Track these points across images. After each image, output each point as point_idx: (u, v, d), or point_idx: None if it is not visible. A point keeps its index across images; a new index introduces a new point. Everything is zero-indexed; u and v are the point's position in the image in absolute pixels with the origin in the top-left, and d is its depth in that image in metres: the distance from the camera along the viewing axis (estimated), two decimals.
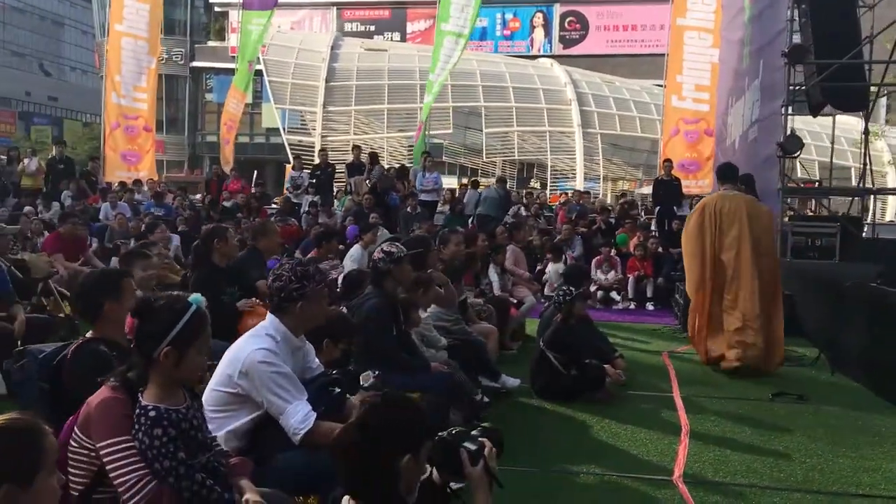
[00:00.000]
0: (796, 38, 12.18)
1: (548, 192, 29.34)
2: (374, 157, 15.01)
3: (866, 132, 11.93)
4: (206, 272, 4.87)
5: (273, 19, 50.75)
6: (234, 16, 45.52)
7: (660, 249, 11.87)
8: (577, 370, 5.89)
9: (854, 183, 31.58)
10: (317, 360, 3.15)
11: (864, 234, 11.66)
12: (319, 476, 2.62)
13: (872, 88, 12.26)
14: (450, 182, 36.51)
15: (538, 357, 6.00)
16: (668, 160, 14.13)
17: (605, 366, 6.02)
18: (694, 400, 6.07)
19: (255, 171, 21.13)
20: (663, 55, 16.89)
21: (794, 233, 10.27)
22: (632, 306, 11.06)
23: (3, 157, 14.67)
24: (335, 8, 48.59)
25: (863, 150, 12.15)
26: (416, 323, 4.62)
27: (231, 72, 37.88)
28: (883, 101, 33.12)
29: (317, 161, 15.70)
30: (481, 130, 31.89)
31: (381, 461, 1.96)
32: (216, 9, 48.06)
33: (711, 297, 7.16)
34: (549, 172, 31.83)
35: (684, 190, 15.62)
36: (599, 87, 32.91)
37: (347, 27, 47.85)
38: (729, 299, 7.04)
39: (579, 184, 29.55)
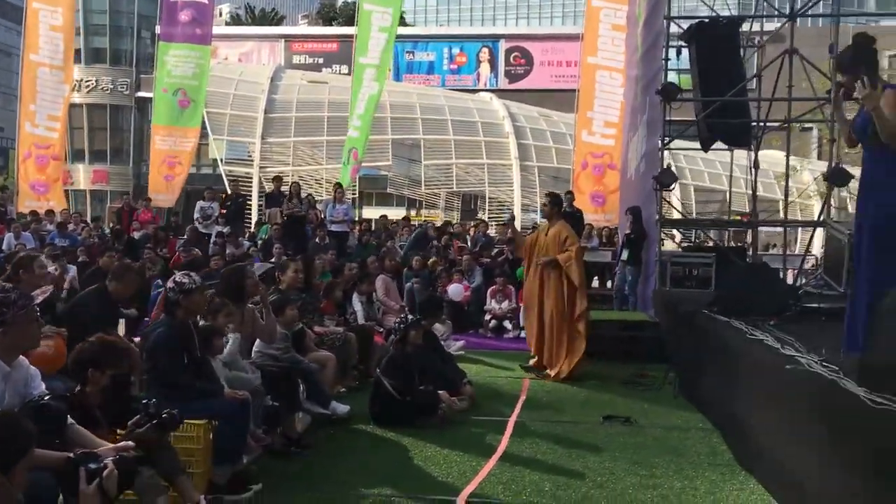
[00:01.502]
0: (681, 76, 12.76)
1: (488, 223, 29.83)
2: (296, 189, 15.19)
3: (756, 165, 12.44)
4: None
5: (221, 51, 50.76)
6: None
7: None
8: (412, 397, 6.09)
9: (782, 214, 32.51)
10: (41, 384, 3.30)
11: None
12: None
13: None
14: (397, 213, 36.94)
15: (375, 383, 6.20)
16: (569, 192, 14.54)
17: (440, 392, 6.22)
18: (528, 424, 6.30)
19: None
20: None
21: (673, 263, 10.65)
22: (522, 335, 11.31)
23: None
24: (283, 40, 48.91)
25: (753, 181, 12.70)
26: (218, 350, 4.79)
27: None
28: (814, 133, 34.21)
29: (229, 192, 15.79)
30: (420, 162, 32.27)
31: None
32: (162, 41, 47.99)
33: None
34: (487, 204, 32.28)
35: (594, 222, 16.07)
36: (537, 120, 33.55)
37: (296, 59, 48.11)
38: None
39: (518, 215, 29.98)
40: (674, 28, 13.14)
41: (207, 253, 12.96)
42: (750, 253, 12.27)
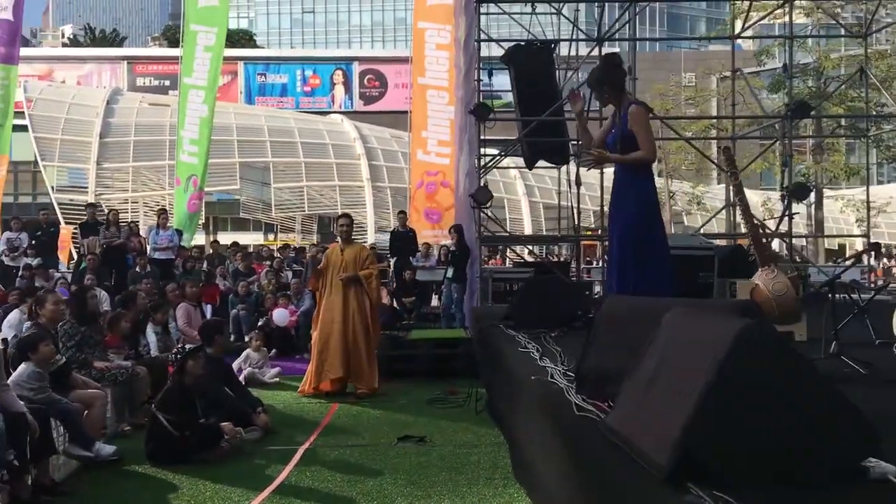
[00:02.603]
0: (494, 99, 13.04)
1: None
2: (114, 216, 14.45)
3: (578, 182, 12.83)
4: None
5: (57, 73, 48.04)
6: None
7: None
8: (190, 431, 5.78)
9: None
10: None
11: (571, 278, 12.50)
12: None
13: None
14: (254, 238, 36.04)
15: (150, 419, 5.85)
16: (402, 212, 14.58)
17: (223, 424, 5.95)
18: (319, 451, 6.13)
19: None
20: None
21: (494, 280, 10.83)
22: None
23: None
24: (126, 62, 47.00)
25: (572, 197, 13.12)
26: None
27: (16, 128, 35.57)
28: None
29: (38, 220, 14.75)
30: (270, 185, 31.66)
31: None
32: None
33: None
34: (335, 226, 32.02)
35: (431, 240, 16.16)
36: (388, 141, 33.66)
37: (140, 82, 46.34)
38: None
39: (370, 236, 29.88)
40: (496, 50, 13.52)
41: (14, 286, 12.10)
42: (574, 267, 12.67)
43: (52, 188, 27.93)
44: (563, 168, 14.59)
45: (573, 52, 13.62)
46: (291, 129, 32.91)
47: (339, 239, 8.50)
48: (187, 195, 16.60)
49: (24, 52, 50.85)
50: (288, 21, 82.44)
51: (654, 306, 3.36)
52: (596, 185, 23.15)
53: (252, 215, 35.58)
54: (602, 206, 15.25)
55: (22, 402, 4.96)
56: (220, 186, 32.69)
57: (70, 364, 5.90)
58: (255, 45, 57.63)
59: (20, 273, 12.53)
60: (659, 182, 31.63)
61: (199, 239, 31.65)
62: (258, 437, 6.38)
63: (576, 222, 13.39)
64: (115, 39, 52.82)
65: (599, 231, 17.47)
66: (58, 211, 26.70)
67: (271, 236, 36.45)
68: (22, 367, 5.31)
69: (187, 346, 6.08)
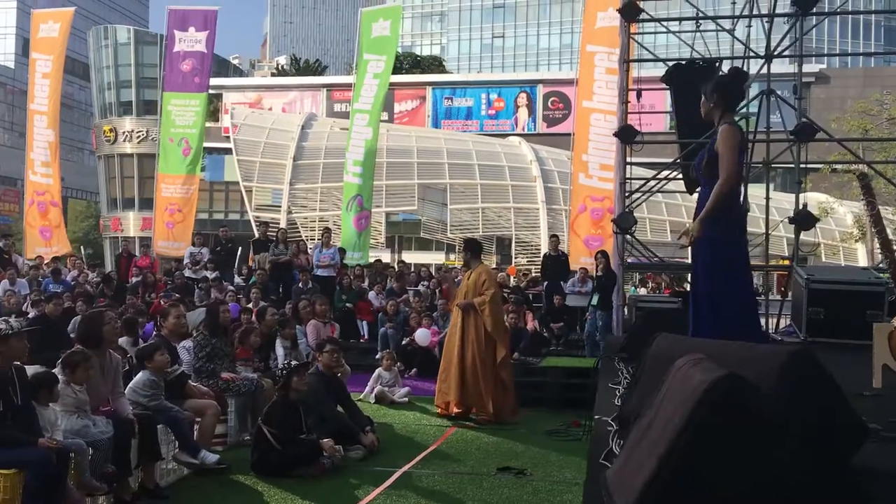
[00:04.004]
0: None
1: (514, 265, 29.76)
2: (283, 235, 15.42)
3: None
4: None
5: (266, 101, 52.01)
6: (228, 98, 47.12)
7: (526, 324, 11.96)
8: (292, 446, 5.98)
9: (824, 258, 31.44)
10: None
11: None
12: None
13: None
14: (435, 258, 37.08)
15: (255, 432, 6.12)
16: (554, 235, 14.31)
17: (323, 441, 6.10)
18: (419, 474, 6.13)
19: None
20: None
21: (639, 308, 10.36)
22: None
23: None
24: (325, 90, 50.02)
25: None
26: (47, 399, 4.78)
27: (225, 151, 39.03)
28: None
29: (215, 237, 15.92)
30: (446, 205, 32.42)
31: None
32: (210, 91, 49.67)
33: None
34: (513, 247, 32.18)
35: (590, 266, 15.76)
36: (566, 164, 33.33)
37: (337, 108, 49.10)
38: None
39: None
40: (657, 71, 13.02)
41: (193, 298, 13.19)
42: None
43: (250, 206, 30.27)
44: None
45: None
46: (469, 151, 33.54)
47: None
48: (352, 215, 17.35)
49: (235, 81, 55.59)
50: (478, 46, 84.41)
51: (691, 348, 3.04)
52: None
53: (433, 235, 36.63)
54: (797, 235, 14.12)
55: (131, 409, 5.38)
56: (402, 207, 33.96)
57: (185, 374, 6.30)
58: (444, 71, 59.41)
59: (199, 285, 13.61)
60: (857, 206, 28.93)
61: (385, 257, 33.03)
62: (361, 457, 6.48)
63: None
64: (317, 68, 56.58)
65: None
66: (254, 228, 28.93)
67: (452, 256, 37.25)
68: (139, 375, 5.76)
69: (292, 363, 6.28)
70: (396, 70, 54.07)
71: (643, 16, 10.74)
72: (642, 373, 3.30)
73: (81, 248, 40.16)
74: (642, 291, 20.80)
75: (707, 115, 4.63)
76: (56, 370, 5.07)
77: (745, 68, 12.91)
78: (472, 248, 8.44)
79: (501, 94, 49.46)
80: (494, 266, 25.33)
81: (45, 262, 15.58)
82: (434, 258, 35.93)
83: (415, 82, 50.36)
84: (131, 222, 46.35)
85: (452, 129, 45.57)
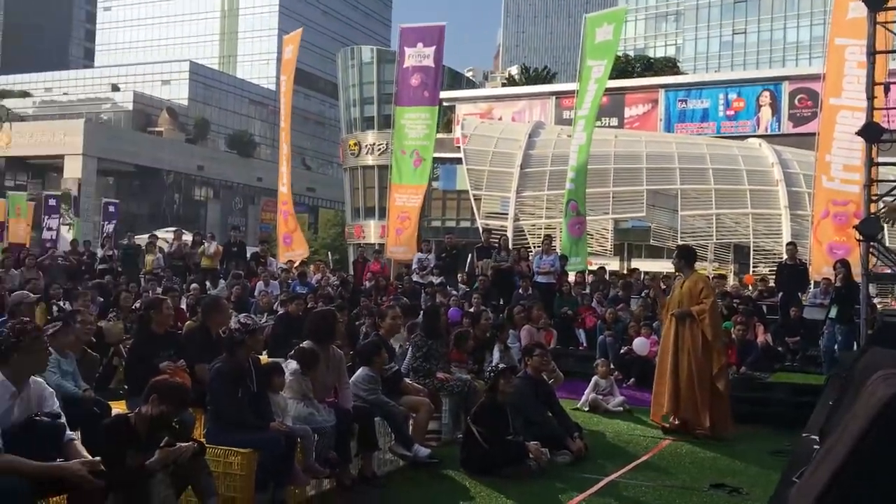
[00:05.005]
0: None
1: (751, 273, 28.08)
2: (504, 242, 15.80)
3: None
4: (144, 337, 5.97)
5: (495, 111, 53.38)
6: (461, 109, 48.98)
7: (756, 337, 11.26)
8: (498, 446, 6.14)
9: None
10: (55, 403, 3.97)
11: None
12: None
13: None
14: (665, 266, 35.92)
15: (465, 430, 6.36)
16: (791, 243, 13.28)
17: (530, 444, 6.19)
18: (626, 483, 6.06)
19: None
20: None
21: (884, 322, 9.41)
22: None
23: (188, 240, 17.38)
24: (554, 97, 50.26)
25: None
26: (279, 387, 5.30)
27: (457, 161, 40.68)
28: None
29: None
30: (677, 211, 31.26)
31: None
32: (444, 103, 51.84)
33: None
34: (751, 255, 30.31)
35: (832, 276, 14.50)
36: (813, 166, 30.88)
37: (566, 115, 49.04)
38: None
39: None
40: None
41: (419, 302, 13.89)
42: None
43: (479, 214, 31.17)
44: None
45: None
46: (703, 155, 32.11)
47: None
48: (567, 220, 17.33)
49: (466, 93, 57.39)
50: (717, 44, 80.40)
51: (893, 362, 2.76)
52: None
53: (663, 243, 35.42)
54: None
55: (352, 402, 5.82)
56: (630, 213, 33.23)
57: (400, 372, 6.68)
58: (677, 72, 57.34)
59: (425, 289, 14.29)
60: None
61: (613, 265, 32.50)
62: (568, 462, 6.50)
63: None
64: (546, 76, 57.01)
65: None
66: (481, 234, 29.77)
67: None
68: (360, 370, 6.22)
69: (500, 366, 6.46)
70: (627, 74, 53.20)
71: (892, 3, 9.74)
72: (849, 387, 3.04)
73: (329, 253, 43.62)
74: None
75: None
76: (287, 362, 5.62)
77: None
78: (687, 256, 8.14)
79: (741, 93, 46.79)
80: (722, 275, 24.00)
81: (295, 265, 17.14)
82: (664, 266, 34.60)
83: (646, 85, 49.07)
84: (372, 230, 49.57)
85: (686, 132, 43.84)
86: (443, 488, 5.84)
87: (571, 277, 15.41)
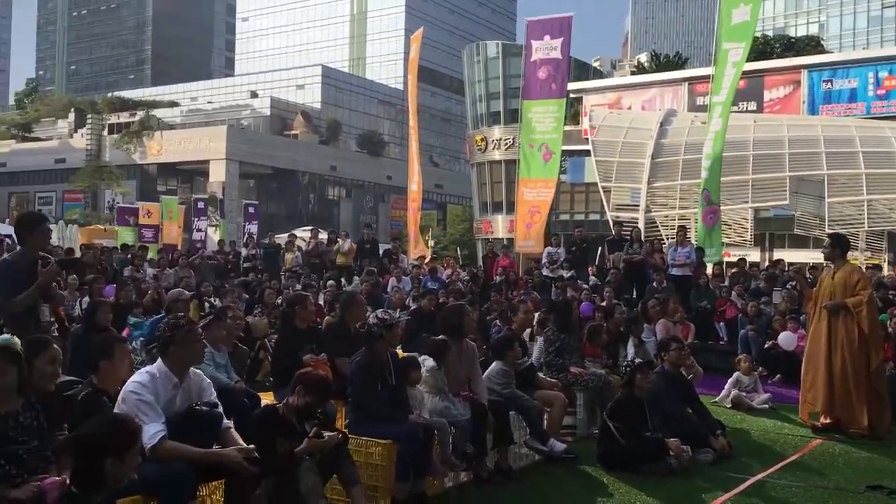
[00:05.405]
0: None
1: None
2: (637, 234, 15.47)
3: None
4: (288, 332, 6.24)
5: (624, 100, 52.33)
6: (588, 100, 48.27)
7: None
8: (636, 442, 6.02)
9: None
10: (213, 393, 4.20)
11: None
12: (162, 482, 3.64)
13: None
14: (812, 256, 34.08)
15: (601, 426, 6.26)
16: None
17: (669, 440, 6.03)
18: (775, 483, 5.81)
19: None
20: None
21: None
22: None
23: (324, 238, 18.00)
24: (686, 83, 48.64)
25: None
26: (415, 381, 5.40)
27: (585, 153, 40.17)
28: None
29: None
30: (823, 198, 29.52)
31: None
32: (570, 94, 51.22)
33: None
34: None
35: None
36: None
37: (700, 101, 47.38)
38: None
39: None
40: None
41: (549, 296, 13.81)
42: None
43: (608, 206, 30.59)
44: None
45: None
46: (851, 137, 30.14)
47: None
48: (701, 210, 16.73)
49: (594, 83, 56.43)
50: (864, 20, 75.23)
51: None
52: None
53: (808, 231, 33.54)
54: None
55: (486, 397, 5.86)
56: (772, 202, 31.66)
57: (533, 367, 6.66)
58: (822, 51, 54.14)
59: (555, 283, 14.19)
60: None
61: (755, 255, 31.14)
62: (710, 460, 6.29)
63: None
64: (678, 62, 55.12)
65: None
66: (611, 227, 29.17)
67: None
68: (493, 365, 6.25)
69: (636, 360, 6.32)
70: (766, 55, 50.69)
71: None
72: None
73: (457, 249, 44.10)
74: None
75: None
76: (423, 358, 5.73)
77: None
78: (842, 245, 7.66)
79: (893, 70, 43.73)
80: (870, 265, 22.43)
81: (426, 261, 17.43)
82: (810, 256, 32.80)
83: (788, 66, 46.60)
84: (500, 224, 49.68)
85: (832, 114, 41.38)
86: (580, 484, 5.78)
87: (709, 270, 14.89)
